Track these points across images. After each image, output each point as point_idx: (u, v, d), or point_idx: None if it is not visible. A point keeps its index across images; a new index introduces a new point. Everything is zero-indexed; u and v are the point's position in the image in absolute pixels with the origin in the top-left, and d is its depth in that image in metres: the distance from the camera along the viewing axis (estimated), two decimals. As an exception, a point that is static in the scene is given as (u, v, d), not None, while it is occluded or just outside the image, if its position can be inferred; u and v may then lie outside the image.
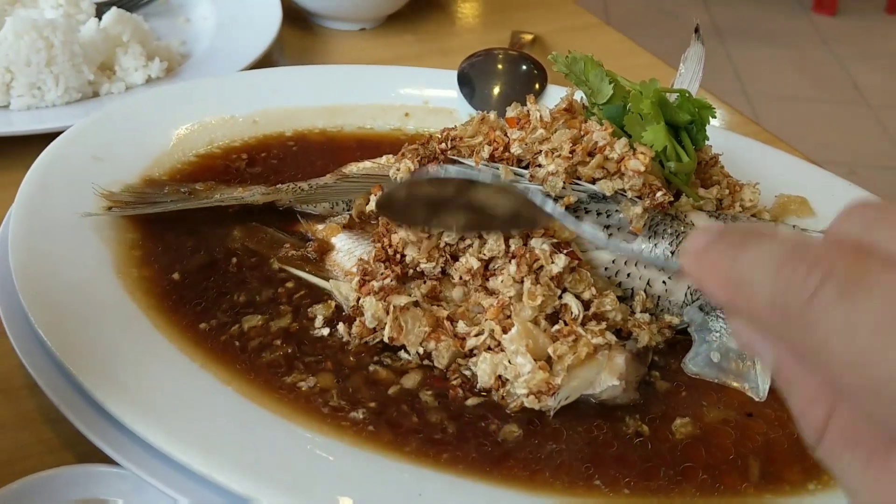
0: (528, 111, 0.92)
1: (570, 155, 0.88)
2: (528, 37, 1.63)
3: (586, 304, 0.87)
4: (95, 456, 0.77)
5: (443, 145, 0.95)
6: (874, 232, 0.38)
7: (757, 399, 0.86)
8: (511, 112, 0.95)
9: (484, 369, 0.82)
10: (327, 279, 0.94)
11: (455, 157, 0.95)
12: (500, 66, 1.35)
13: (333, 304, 0.91)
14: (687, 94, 0.98)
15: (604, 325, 0.86)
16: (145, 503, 0.74)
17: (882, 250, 0.36)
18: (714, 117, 0.99)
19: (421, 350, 0.85)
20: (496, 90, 1.30)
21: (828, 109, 4.12)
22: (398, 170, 0.91)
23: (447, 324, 0.85)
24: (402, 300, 0.84)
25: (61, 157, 1.03)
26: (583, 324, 0.85)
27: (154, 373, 0.81)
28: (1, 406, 0.87)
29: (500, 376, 0.82)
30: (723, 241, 0.40)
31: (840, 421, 0.39)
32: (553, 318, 0.86)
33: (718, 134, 1.17)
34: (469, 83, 1.29)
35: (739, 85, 4.23)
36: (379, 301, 0.85)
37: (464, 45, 1.46)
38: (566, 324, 0.84)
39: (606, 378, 0.82)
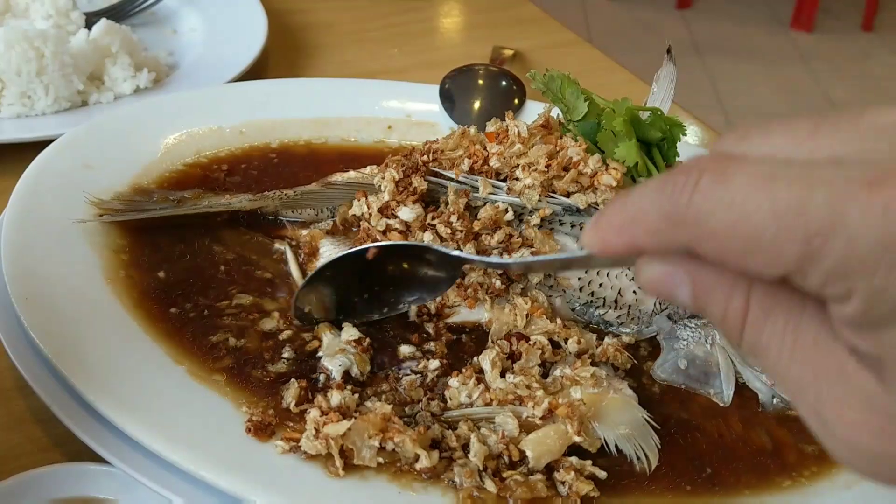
0: (506, 126, 0.96)
1: (546, 169, 0.93)
2: (509, 52, 1.67)
3: (556, 343, 0.91)
4: (85, 455, 0.80)
5: (425, 157, 0.99)
6: (738, 147, 0.45)
7: (722, 404, 0.90)
8: (491, 127, 0.99)
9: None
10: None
11: (436, 170, 0.98)
12: (480, 82, 1.39)
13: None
14: (659, 112, 1.02)
15: (588, 363, 0.87)
16: (135, 501, 0.77)
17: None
18: (685, 135, 1.03)
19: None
20: (476, 105, 1.34)
21: (804, 125, 4.19)
22: (383, 178, 0.95)
23: (395, 420, 0.79)
24: (339, 428, 0.76)
25: (52, 164, 1.06)
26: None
27: (143, 374, 0.83)
28: (-7, 409, 0.90)
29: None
30: (606, 208, 0.47)
31: (754, 301, 0.44)
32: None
33: (691, 150, 1.22)
34: (450, 97, 1.32)
35: (717, 100, 4.30)
36: (312, 430, 0.78)
37: (447, 59, 1.49)
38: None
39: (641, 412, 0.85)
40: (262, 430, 0.77)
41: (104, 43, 1.41)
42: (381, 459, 0.76)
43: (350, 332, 0.89)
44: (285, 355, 0.88)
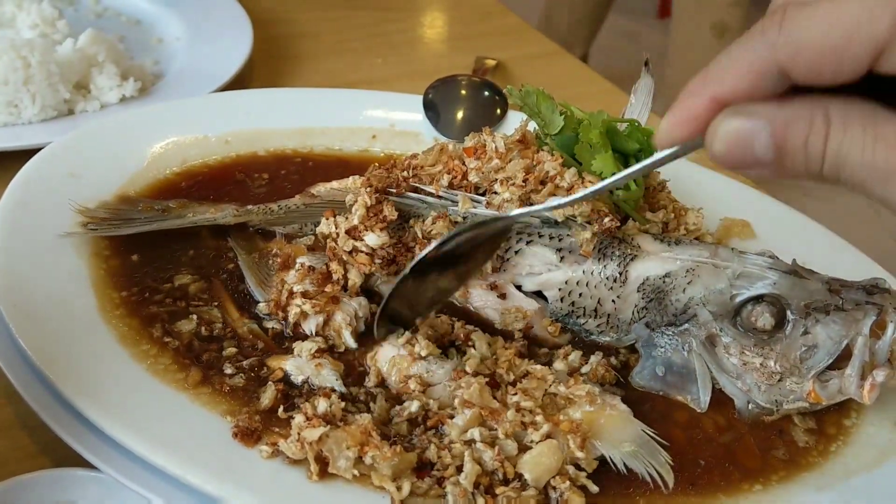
0: (484, 142, 0.98)
1: (524, 183, 0.95)
2: (492, 62, 1.70)
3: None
4: (72, 461, 0.81)
5: (405, 173, 1.01)
6: None
7: (699, 410, 0.92)
8: (469, 142, 1.01)
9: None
10: (258, 285, 0.98)
11: (416, 185, 1.00)
12: (463, 92, 1.41)
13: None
14: (636, 124, 1.05)
15: (581, 380, 0.89)
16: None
17: None
18: (661, 146, 1.05)
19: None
20: (459, 115, 1.36)
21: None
22: (354, 201, 0.96)
23: (374, 435, 0.79)
24: (315, 433, 0.77)
25: (39, 174, 1.08)
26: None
27: (130, 380, 0.85)
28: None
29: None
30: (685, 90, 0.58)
31: (834, 113, 0.52)
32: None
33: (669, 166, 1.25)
34: (434, 108, 1.34)
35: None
36: (296, 434, 0.79)
37: (429, 70, 1.52)
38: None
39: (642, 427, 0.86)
40: (248, 436, 0.79)
41: (90, 52, 1.42)
42: (356, 472, 0.77)
43: (308, 347, 0.90)
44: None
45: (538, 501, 0.78)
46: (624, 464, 0.82)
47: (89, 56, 1.41)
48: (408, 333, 0.91)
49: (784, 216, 1.23)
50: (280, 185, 1.19)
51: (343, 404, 0.82)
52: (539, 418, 0.82)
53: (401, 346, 0.89)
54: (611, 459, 0.82)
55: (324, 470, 0.77)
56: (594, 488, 0.80)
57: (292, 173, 1.21)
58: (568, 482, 0.78)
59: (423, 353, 0.88)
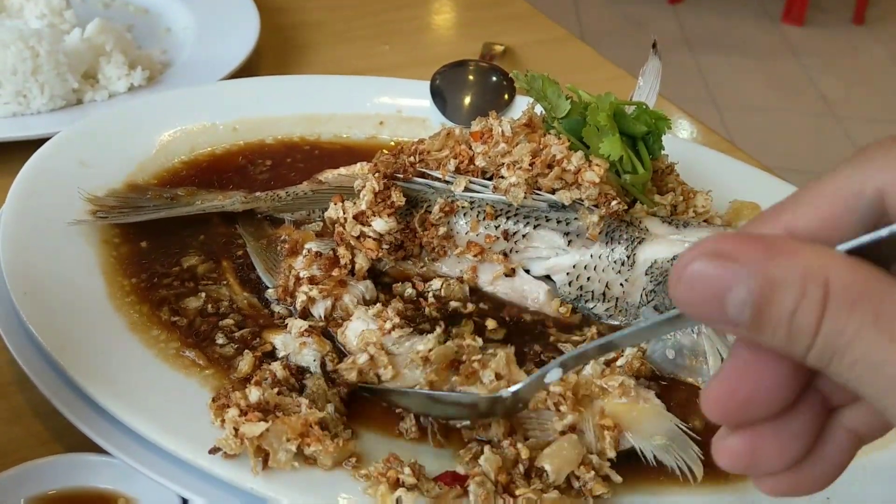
0: (490, 126, 0.98)
1: (531, 167, 0.95)
2: (500, 48, 1.69)
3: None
4: (85, 447, 0.81)
5: (412, 158, 1.01)
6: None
7: (709, 392, 0.92)
8: (476, 126, 1.01)
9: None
10: (266, 271, 0.99)
11: (423, 170, 1.00)
12: (471, 77, 1.41)
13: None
14: (644, 107, 1.04)
15: (617, 371, 0.88)
16: (134, 490, 0.79)
17: None
18: (670, 128, 1.05)
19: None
20: (467, 100, 1.36)
21: (795, 119, 4.22)
22: (363, 185, 0.96)
23: (315, 428, 0.78)
24: (256, 429, 0.75)
25: (48, 162, 1.08)
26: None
27: (140, 366, 0.85)
28: (-9, 402, 0.92)
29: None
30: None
31: (836, 281, 0.40)
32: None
33: (678, 143, 1.24)
34: (441, 93, 1.34)
35: (708, 95, 4.32)
36: (231, 429, 0.77)
37: (438, 55, 1.51)
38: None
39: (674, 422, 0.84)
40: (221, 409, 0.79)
41: (98, 41, 1.42)
42: (295, 464, 0.76)
43: (299, 325, 0.90)
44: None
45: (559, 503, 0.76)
46: (654, 456, 0.81)
47: (97, 46, 1.42)
48: (379, 305, 0.91)
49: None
50: (284, 172, 1.19)
51: (276, 390, 0.81)
52: (564, 407, 0.81)
53: (371, 320, 0.89)
54: (641, 452, 0.81)
55: (265, 462, 0.75)
56: (617, 478, 0.79)
57: (298, 161, 1.21)
58: (592, 472, 0.78)
59: (391, 326, 0.87)
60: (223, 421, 0.77)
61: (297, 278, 0.93)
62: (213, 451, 0.75)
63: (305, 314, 0.93)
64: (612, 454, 0.79)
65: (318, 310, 0.93)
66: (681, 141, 1.28)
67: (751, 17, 5.12)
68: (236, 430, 0.75)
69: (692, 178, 1.11)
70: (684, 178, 1.09)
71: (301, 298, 0.93)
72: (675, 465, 0.80)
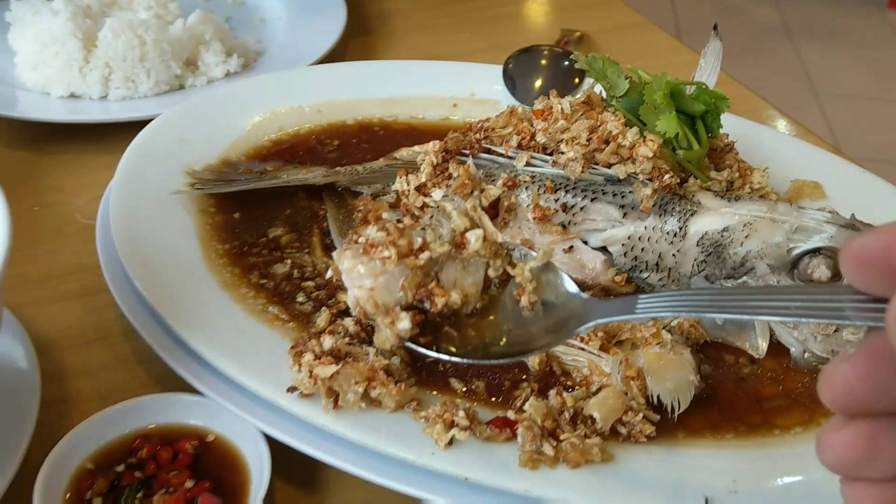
0: (551, 104, 1.05)
1: (588, 143, 1.01)
2: (576, 34, 1.74)
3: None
4: (180, 390, 0.92)
5: (478, 135, 1.08)
6: None
7: (756, 356, 0.96)
8: (538, 105, 1.07)
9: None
10: (339, 235, 1.08)
11: (488, 146, 1.07)
12: (543, 62, 1.47)
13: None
14: (703, 86, 1.09)
15: (661, 326, 0.93)
16: (221, 426, 0.89)
17: None
18: (728, 108, 1.09)
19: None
20: (537, 84, 1.42)
21: (896, 110, 4.08)
22: (423, 160, 1.04)
23: (381, 373, 0.85)
24: (328, 371, 0.83)
25: (153, 140, 1.20)
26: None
27: (231, 318, 0.96)
28: (102, 350, 1.04)
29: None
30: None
31: None
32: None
33: (741, 124, 1.27)
34: (512, 77, 1.41)
35: (808, 85, 4.21)
36: (307, 371, 0.85)
37: (516, 42, 1.57)
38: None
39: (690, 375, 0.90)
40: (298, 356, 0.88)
41: (199, 31, 1.54)
42: (362, 405, 0.84)
43: None
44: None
45: (600, 448, 0.82)
46: (658, 396, 0.87)
47: (198, 35, 1.54)
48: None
49: (858, 178, 1.24)
50: (357, 151, 1.28)
51: (347, 339, 0.89)
52: (592, 344, 0.88)
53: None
54: (651, 393, 0.87)
55: (336, 402, 0.84)
56: (655, 417, 0.86)
57: (375, 140, 1.30)
58: (640, 415, 0.84)
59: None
60: (300, 365, 0.86)
61: (354, 242, 1.02)
62: (291, 390, 0.84)
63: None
64: (641, 400, 0.86)
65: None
66: (744, 121, 1.31)
67: (854, 3, 4.96)
68: (311, 371, 0.84)
69: (752, 156, 1.15)
70: (747, 158, 1.12)
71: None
72: (670, 404, 0.86)
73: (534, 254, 0.75)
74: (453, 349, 0.76)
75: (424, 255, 0.72)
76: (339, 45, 1.62)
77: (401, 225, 0.74)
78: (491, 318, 0.78)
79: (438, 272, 0.74)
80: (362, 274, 0.74)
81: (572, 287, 0.76)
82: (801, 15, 4.81)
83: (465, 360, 0.76)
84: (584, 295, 0.75)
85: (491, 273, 0.75)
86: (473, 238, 0.72)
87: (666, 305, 0.66)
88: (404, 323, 0.70)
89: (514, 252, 0.75)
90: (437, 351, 0.75)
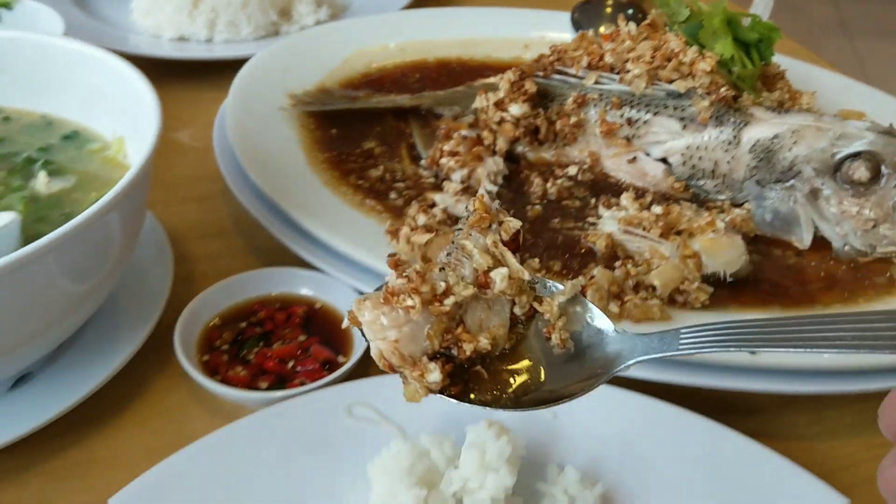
0: (618, 28, 1.17)
1: (651, 60, 1.13)
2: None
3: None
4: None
5: (551, 58, 1.21)
6: None
7: (801, 247, 1.07)
8: (606, 30, 1.19)
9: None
10: (424, 148, 1.21)
11: (560, 68, 1.20)
12: (608, 11, 1.59)
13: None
14: (758, 18, 1.20)
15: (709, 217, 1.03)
16: (329, 296, 1.03)
17: None
18: (780, 37, 1.20)
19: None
20: (602, 30, 1.54)
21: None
22: (501, 79, 1.17)
23: None
24: (423, 238, 0.83)
25: (261, 67, 1.35)
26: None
27: (332, 210, 1.10)
28: (219, 242, 1.19)
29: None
30: None
31: None
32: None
33: (792, 63, 1.38)
34: (579, 24, 1.53)
35: (865, 82, 4.18)
36: (405, 241, 0.99)
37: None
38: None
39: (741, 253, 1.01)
40: (394, 235, 1.02)
41: (293, -17, 1.70)
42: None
43: (454, 186, 1.10)
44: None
45: (660, 308, 0.94)
46: (713, 271, 0.98)
47: (291, -13, 1.70)
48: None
49: (900, 110, 1.34)
50: (437, 85, 1.41)
51: (438, 217, 1.03)
52: (653, 232, 1.00)
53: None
54: (706, 269, 0.98)
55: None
56: (709, 289, 0.97)
57: (450, 75, 1.44)
58: (695, 283, 0.96)
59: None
60: (398, 240, 1.00)
61: (442, 151, 1.15)
62: (391, 255, 0.98)
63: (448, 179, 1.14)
64: (696, 275, 0.97)
65: (457, 176, 1.14)
66: (794, 61, 1.41)
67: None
68: (408, 240, 0.97)
69: (804, 89, 1.25)
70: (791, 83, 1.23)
71: (447, 165, 1.14)
72: (721, 273, 0.97)
73: (559, 286, 0.69)
74: (489, 397, 0.68)
75: (449, 301, 0.65)
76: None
77: (421, 270, 0.67)
78: (525, 360, 0.71)
79: (463, 315, 0.68)
80: (385, 326, 0.66)
81: (604, 322, 0.68)
82: (859, 12, 4.73)
83: (501, 409, 0.68)
84: (621, 329, 0.68)
85: (517, 311, 0.69)
86: (499, 278, 0.66)
87: (711, 340, 0.61)
88: (434, 375, 0.64)
89: (537, 286, 0.69)
90: (471, 402, 0.67)
